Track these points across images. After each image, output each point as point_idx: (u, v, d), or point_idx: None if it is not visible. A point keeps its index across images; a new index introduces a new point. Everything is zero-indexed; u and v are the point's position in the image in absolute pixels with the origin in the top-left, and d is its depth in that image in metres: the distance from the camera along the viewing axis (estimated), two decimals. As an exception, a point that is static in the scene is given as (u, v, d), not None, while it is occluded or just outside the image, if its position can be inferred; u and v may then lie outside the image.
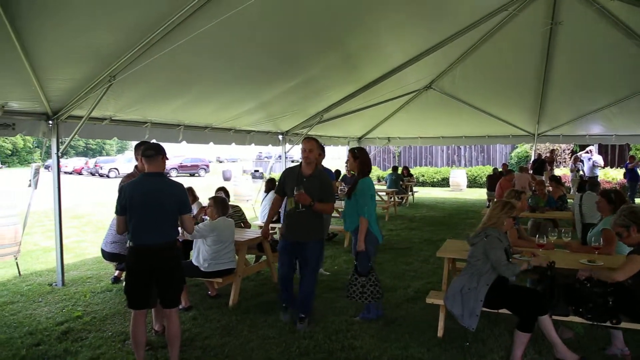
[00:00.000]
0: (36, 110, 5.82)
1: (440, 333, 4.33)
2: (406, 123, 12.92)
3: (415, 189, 17.46)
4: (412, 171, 19.25)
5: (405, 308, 5.19)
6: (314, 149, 4.55)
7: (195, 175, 36.20)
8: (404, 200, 15.17)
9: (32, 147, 56.48)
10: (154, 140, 7.54)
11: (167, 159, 3.78)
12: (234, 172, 30.72)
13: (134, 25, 4.33)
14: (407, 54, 7.71)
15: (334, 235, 9.10)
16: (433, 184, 23.46)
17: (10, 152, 54.63)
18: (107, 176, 33.80)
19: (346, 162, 8.69)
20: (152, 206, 3.53)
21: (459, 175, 21.35)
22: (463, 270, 4.09)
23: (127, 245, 3.65)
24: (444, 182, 22.90)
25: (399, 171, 15.73)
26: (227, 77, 6.48)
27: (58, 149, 6.19)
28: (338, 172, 11.31)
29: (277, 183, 5.09)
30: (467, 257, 4.05)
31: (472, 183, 22.36)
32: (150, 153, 3.61)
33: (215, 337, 4.43)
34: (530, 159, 16.51)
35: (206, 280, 5.39)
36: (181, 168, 35.98)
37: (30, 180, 6.49)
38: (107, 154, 58.32)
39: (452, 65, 8.99)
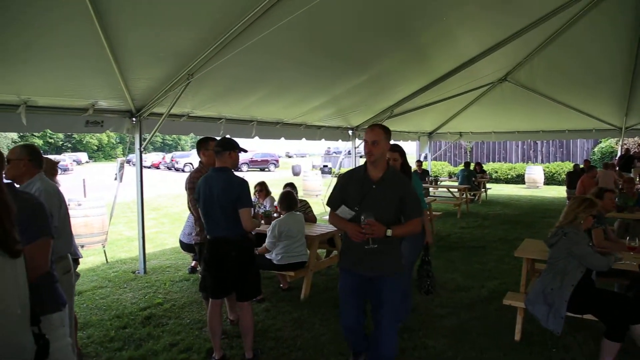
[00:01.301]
0: (121, 108, 6.20)
1: (517, 337, 4.16)
2: (479, 117, 12.47)
3: (488, 185, 16.83)
4: (484, 167, 18.57)
5: (479, 309, 5.02)
6: (380, 139, 3.11)
7: (265, 170, 36.98)
8: (477, 197, 14.68)
9: (115, 142, 60.26)
10: (227, 136, 7.81)
11: (245, 151, 3.90)
12: (303, 167, 31.09)
13: (211, 24, 4.48)
14: (481, 45, 7.42)
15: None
16: (507, 181, 22.49)
17: (96, 147, 58.60)
18: (183, 170, 35.30)
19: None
20: (217, 200, 3.63)
21: (535, 172, 20.29)
22: (544, 271, 3.88)
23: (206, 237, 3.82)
24: (519, 179, 21.85)
25: (471, 167, 15.23)
26: (298, 73, 6.56)
27: (140, 145, 6.56)
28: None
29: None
30: (548, 259, 3.84)
31: (550, 180, 21.18)
32: (217, 149, 3.76)
33: (288, 329, 4.52)
34: (616, 155, 15.39)
35: (278, 273, 5.51)
36: (252, 163, 36.90)
37: (116, 174, 6.93)
38: (182, 149, 60.95)
39: (530, 55, 8.56)
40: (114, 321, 4.78)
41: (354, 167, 3.64)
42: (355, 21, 5.31)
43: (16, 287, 2.02)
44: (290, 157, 61.14)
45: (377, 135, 3.10)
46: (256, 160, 37.55)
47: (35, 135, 45.74)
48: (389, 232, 3.02)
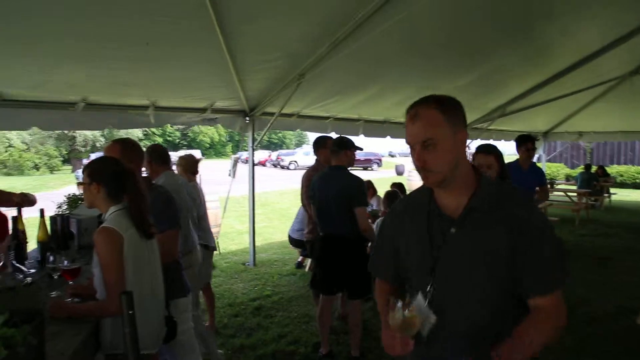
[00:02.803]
0: (236, 108, 6.53)
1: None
2: (603, 115, 11.31)
3: (612, 190, 15.31)
4: (607, 170, 16.93)
5: (603, 325, 4.58)
6: (440, 132, 1.45)
7: (368, 169, 36.95)
8: (599, 202, 13.43)
9: (225, 141, 63.90)
10: (333, 134, 7.92)
11: (360, 149, 3.95)
12: (407, 167, 30.63)
13: (323, 25, 4.54)
14: (606, 37, 6.74)
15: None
16: (635, 185, 20.30)
17: (208, 145, 62.59)
18: (288, 168, 36.56)
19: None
20: (331, 198, 3.69)
21: (669, 175, 18.12)
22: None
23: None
24: (650, 184, 19.66)
25: (592, 170, 13.95)
26: (406, 73, 6.44)
27: (253, 143, 6.88)
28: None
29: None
30: None
31: (688, 185, 18.80)
32: (334, 148, 3.84)
33: (393, 329, 4.47)
34: None
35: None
36: (355, 162, 37.02)
37: (230, 171, 7.33)
38: (287, 148, 63.04)
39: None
40: (227, 309, 5.06)
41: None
42: (466, 16, 5.09)
43: (148, 269, 2.24)
44: (393, 156, 60.55)
45: (431, 124, 1.46)
46: (359, 159, 37.58)
47: (156, 134, 50.01)
48: None
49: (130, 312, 1.61)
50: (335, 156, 3.82)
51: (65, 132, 32.33)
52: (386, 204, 5.27)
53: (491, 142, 10.57)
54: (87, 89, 4.92)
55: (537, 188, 4.96)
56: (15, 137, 27.16)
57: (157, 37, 3.96)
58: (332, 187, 3.69)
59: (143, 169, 3.04)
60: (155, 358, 2.28)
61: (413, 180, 17.08)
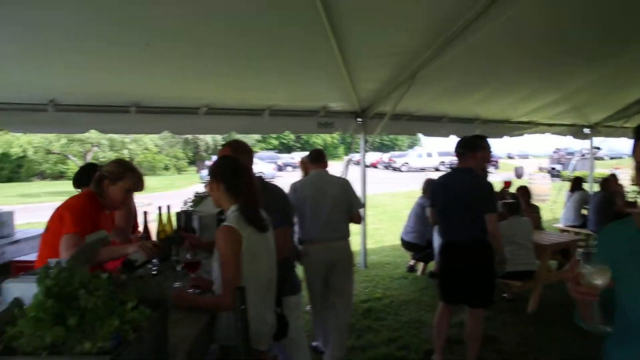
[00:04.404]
0: (348, 109, 6.56)
1: None
2: None
3: None
4: None
5: None
6: None
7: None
8: None
9: (337, 143, 64.98)
10: (452, 136, 7.63)
11: (490, 151, 3.75)
12: (526, 169, 28.68)
13: (433, 23, 4.38)
14: None
15: None
16: None
17: (321, 147, 64.11)
18: (400, 170, 36.10)
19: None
20: (459, 203, 3.50)
21: None
22: None
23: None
24: None
25: None
26: (520, 73, 5.99)
27: (365, 144, 6.87)
28: None
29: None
30: None
31: None
32: (460, 150, 3.65)
33: (512, 344, 4.16)
34: None
35: (503, 281, 5.13)
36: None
37: (342, 172, 7.39)
38: (400, 149, 62.33)
39: None
40: (338, 309, 5.09)
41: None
42: (599, 7, 4.58)
43: (266, 260, 2.31)
44: (511, 158, 57.05)
45: None
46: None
47: (272, 136, 52.41)
48: None
49: (243, 307, 1.65)
50: (461, 158, 3.64)
51: (189, 137, 35.32)
52: (505, 207, 4.92)
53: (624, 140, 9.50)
54: (212, 96, 5.29)
55: None
56: (149, 140, 30.37)
57: (274, 42, 4.12)
58: (457, 191, 3.51)
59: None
60: (265, 354, 2.34)
61: (534, 184, 15.92)
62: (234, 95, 5.43)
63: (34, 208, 15.51)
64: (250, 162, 2.97)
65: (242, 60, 4.39)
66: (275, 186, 3.02)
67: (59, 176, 32.39)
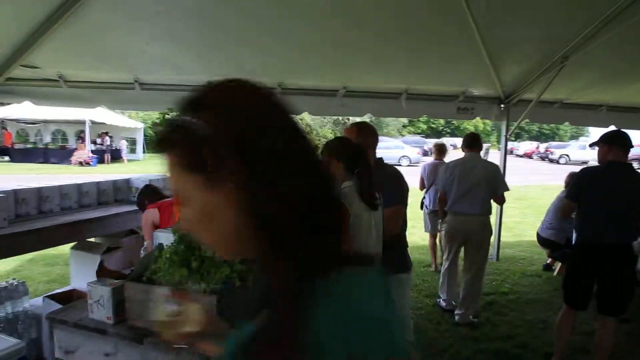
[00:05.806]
0: (490, 95, 6.28)
1: None
2: None
3: None
4: None
5: None
6: None
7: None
8: None
9: (490, 130, 61.52)
10: (612, 127, 6.86)
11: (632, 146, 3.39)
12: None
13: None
14: None
15: None
16: None
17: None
18: (557, 162, 32.98)
19: None
20: (612, 200, 3.19)
21: None
22: None
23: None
24: None
25: None
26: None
27: (507, 131, 6.53)
28: None
29: None
30: None
31: None
32: (597, 142, 3.40)
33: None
34: None
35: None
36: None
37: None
38: (561, 140, 56.80)
39: None
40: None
41: None
42: None
43: (371, 236, 2.47)
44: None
45: None
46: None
47: (420, 120, 51.45)
48: None
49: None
50: (610, 150, 3.36)
51: (339, 118, 36.49)
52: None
53: None
54: (347, 77, 5.50)
55: None
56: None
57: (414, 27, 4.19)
58: (616, 188, 3.21)
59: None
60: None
61: None
62: (368, 78, 5.57)
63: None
64: (375, 144, 3.12)
65: (380, 42, 4.53)
66: (393, 167, 3.14)
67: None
